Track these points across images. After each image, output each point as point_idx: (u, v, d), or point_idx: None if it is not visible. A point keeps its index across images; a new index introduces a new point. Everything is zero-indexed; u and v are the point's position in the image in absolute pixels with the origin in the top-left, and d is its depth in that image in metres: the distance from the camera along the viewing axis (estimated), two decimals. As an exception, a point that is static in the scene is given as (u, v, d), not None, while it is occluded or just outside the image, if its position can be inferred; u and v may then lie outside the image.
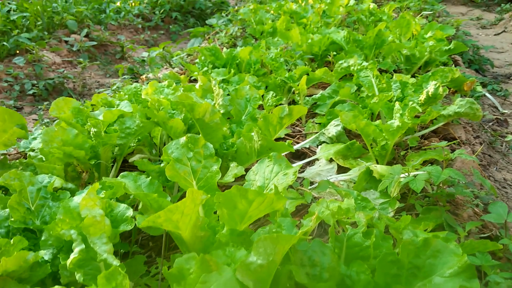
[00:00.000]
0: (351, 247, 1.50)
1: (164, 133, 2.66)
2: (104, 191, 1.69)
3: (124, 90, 3.02)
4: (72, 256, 1.34)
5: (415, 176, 1.97)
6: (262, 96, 3.42)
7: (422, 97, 2.65)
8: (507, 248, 1.77)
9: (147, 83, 3.23)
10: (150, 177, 1.77)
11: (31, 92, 4.54)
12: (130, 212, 1.53)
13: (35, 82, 4.64)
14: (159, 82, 3.12)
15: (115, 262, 1.31)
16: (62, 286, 1.24)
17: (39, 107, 4.14)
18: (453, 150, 2.75)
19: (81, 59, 4.99)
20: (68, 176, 2.26)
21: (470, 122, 3.39)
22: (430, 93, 2.61)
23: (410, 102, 2.54)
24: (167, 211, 1.28)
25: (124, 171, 2.39)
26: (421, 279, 1.35)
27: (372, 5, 5.75)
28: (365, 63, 3.19)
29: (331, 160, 2.67)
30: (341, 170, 2.60)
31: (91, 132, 2.16)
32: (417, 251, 1.36)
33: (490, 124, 3.72)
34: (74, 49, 5.45)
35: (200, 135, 1.86)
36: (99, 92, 4.27)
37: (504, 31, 6.86)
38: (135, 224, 1.99)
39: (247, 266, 1.23)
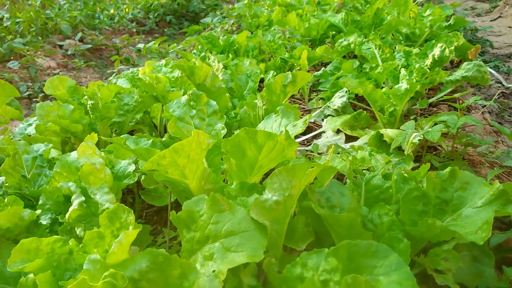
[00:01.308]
0: (370, 191, 1.40)
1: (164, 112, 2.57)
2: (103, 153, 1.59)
3: (121, 75, 2.94)
4: (71, 209, 1.23)
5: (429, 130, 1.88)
6: (261, 80, 3.34)
7: (428, 61, 2.58)
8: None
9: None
10: (152, 139, 1.67)
11: (26, 94, 4.46)
12: (132, 167, 1.43)
13: (30, 84, 4.56)
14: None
15: (124, 206, 1.20)
16: (61, 236, 1.13)
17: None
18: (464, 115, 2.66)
19: (76, 60, 4.92)
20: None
21: (476, 93, 3.31)
22: (436, 56, 2.53)
23: (418, 65, 2.45)
24: (172, 151, 1.18)
25: (124, 151, 2.30)
26: (450, 214, 1.25)
27: (366, -5, 5.72)
28: (365, 39, 3.12)
29: (338, 131, 2.57)
30: (349, 140, 2.51)
31: (88, 106, 2.07)
32: (444, 184, 1.26)
33: (496, 97, 3.64)
34: (69, 53, 5.39)
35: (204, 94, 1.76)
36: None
37: (500, 16, 6.83)
38: (135, 199, 1.89)
39: (262, 204, 1.13)
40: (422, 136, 1.83)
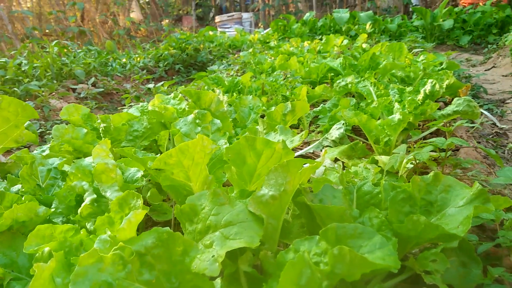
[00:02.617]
0: (361, 196, 1.50)
1: (170, 141, 2.72)
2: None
3: (132, 109, 3.12)
4: (83, 205, 1.34)
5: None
6: (263, 116, 3.52)
7: (420, 96, 2.74)
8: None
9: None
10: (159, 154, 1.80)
11: (39, 131, 4.65)
12: (140, 173, 1.54)
13: (43, 122, 4.77)
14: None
15: (134, 192, 1.29)
16: (73, 225, 1.23)
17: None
18: (457, 148, 2.79)
19: (88, 101, 5.17)
20: (76, 176, 2.28)
21: (471, 133, 3.45)
22: (427, 91, 2.70)
23: (410, 98, 2.62)
24: (179, 150, 1.30)
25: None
26: (435, 214, 1.34)
27: (365, 45, 6.07)
28: (363, 78, 3.33)
29: (336, 160, 2.69)
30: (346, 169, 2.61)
31: (101, 128, 2.22)
32: (428, 187, 1.36)
33: (490, 136, 3.78)
34: (82, 95, 5.66)
35: (209, 113, 1.91)
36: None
37: (494, 66, 7.15)
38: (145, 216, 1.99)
39: (259, 198, 1.23)
40: (413, 157, 1.94)
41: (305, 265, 0.95)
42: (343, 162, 2.64)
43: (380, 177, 1.80)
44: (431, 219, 1.32)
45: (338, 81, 3.65)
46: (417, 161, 2.00)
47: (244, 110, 2.83)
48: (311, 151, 2.93)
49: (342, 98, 3.34)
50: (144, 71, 7.21)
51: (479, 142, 3.28)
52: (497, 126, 4.13)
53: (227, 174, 1.57)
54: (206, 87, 4.14)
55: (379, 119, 3.01)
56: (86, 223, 1.33)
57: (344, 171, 1.65)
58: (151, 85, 4.57)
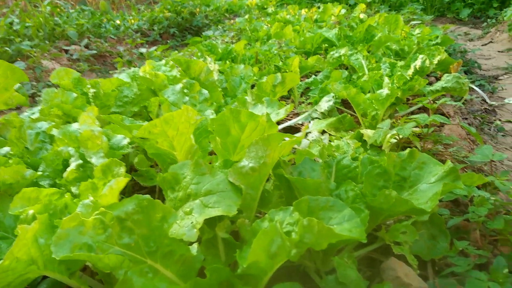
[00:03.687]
0: (340, 170, 1.55)
1: (160, 108, 2.73)
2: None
3: (123, 73, 3.11)
4: (68, 169, 1.38)
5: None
6: (253, 86, 3.53)
7: (410, 71, 2.76)
8: (494, 187, 1.82)
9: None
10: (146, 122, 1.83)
11: (30, 93, 4.62)
12: (126, 140, 1.58)
13: (35, 83, 4.73)
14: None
15: (117, 160, 1.33)
16: (58, 189, 1.27)
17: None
18: (442, 125, 2.83)
19: (80, 63, 5.12)
20: (66, 140, 2.32)
21: (459, 108, 3.48)
22: (417, 67, 2.71)
23: (399, 73, 2.63)
24: (163, 120, 1.33)
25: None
26: (407, 189, 1.39)
27: (362, 15, 5.98)
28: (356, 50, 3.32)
29: (323, 132, 2.73)
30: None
31: (90, 94, 2.23)
32: (403, 163, 1.42)
33: (479, 113, 3.82)
34: (74, 57, 5.59)
35: (197, 83, 1.93)
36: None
37: (491, 41, 7.10)
38: (132, 179, 2.03)
39: (239, 169, 1.28)
40: (396, 132, 1.98)
41: (276, 234, 1.01)
42: (330, 134, 2.69)
43: (362, 151, 1.85)
44: (403, 194, 1.38)
45: (332, 52, 3.64)
46: (401, 137, 2.05)
47: (235, 80, 2.84)
48: (300, 122, 2.97)
49: (334, 70, 3.34)
50: (138, 34, 7.09)
51: (465, 119, 3.33)
52: (487, 103, 4.17)
53: (212, 144, 1.61)
54: (199, 54, 4.11)
55: (369, 92, 3.04)
56: (72, 187, 1.37)
57: (327, 144, 1.70)
58: (143, 50, 4.52)
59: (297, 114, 3.13)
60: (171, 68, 2.85)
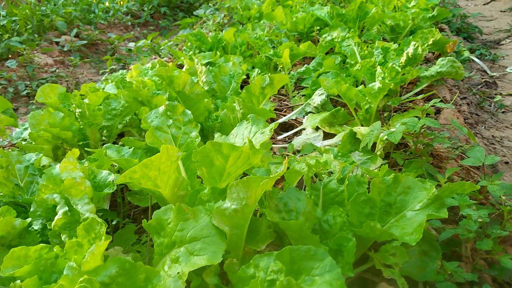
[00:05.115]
0: (327, 194, 1.54)
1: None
2: (89, 163, 1.74)
3: (111, 77, 3.07)
4: (56, 217, 1.39)
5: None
6: (248, 75, 3.46)
7: (403, 59, 2.68)
8: (487, 191, 1.80)
9: (135, 71, 3.28)
10: (133, 147, 1.82)
11: (24, 92, 4.61)
12: (112, 177, 1.58)
13: (28, 83, 4.70)
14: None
15: (98, 219, 1.35)
16: (47, 244, 1.29)
17: (34, 105, 4.21)
18: (438, 110, 2.78)
19: (72, 57, 5.05)
20: (59, 159, 2.32)
21: (457, 84, 3.41)
22: (410, 54, 2.63)
23: (391, 64, 2.56)
24: (142, 166, 1.32)
25: (114, 153, 2.45)
26: (393, 216, 1.39)
27: (357, -17, 5.74)
28: (348, 34, 3.22)
29: (317, 129, 2.70)
30: (328, 136, 2.64)
31: (76, 113, 2.21)
32: (388, 189, 1.40)
33: (479, 86, 3.73)
34: (65, 49, 5.50)
35: (180, 104, 1.90)
36: (91, 87, 4.32)
37: (493, 0, 6.84)
38: (125, 199, 2.05)
39: (222, 212, 1.28)
40: (386, 137, 1.95)
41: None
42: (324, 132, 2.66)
43: (350, 165, 1.83)
44: (389, 220, 1.38)
45: (324, 36, 3.54)
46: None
47: (224, 79, 2.78)
48: (294, 118, 2.93)
49: (327, 57, 3.26)
50: (129, 16, 6.93)
51: (464, 98, 3.26)
52: (488, 74, 4.07)
53: (198, 172, 1.60)
54: (189, 44, 4.02)
55: (362, 82, 2.98)
56: (61, 234, 1.39)
57: (313, 162, 1.68)
58: (131, 44, 4.42)
59: (291, 108, 3.09)
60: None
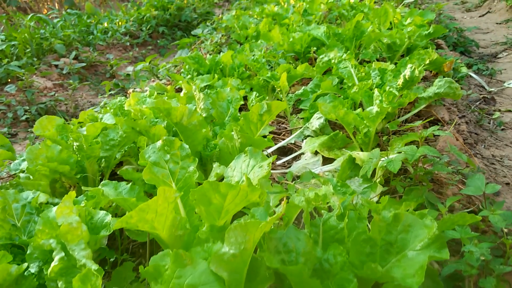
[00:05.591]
0: (327, 231, 1.52)
1: (150, 142, 2.70)
2: (86, 201, 1.72)
3: (109, 104, 3.07)
4: (52, 264, 1.37)
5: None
6: (246, 97, 3.46)
7: (400, 81, 2.68)
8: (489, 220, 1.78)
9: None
10: (130, 184, 1.81)
11: (24, 118, 4.61)
12: (109, 218, 1.56)
13: (27, 108, 4.71)
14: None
15: (94, 266, 1.33)
16: (43, 293, 1.27)
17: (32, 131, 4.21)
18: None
19: (71, 81, 5.07)
20: (56, 192, 2.31)
21: (455, 102, 3.40)
22: (407, 77, 2.63)
23: (388, 87, 2.56)
24: (139, 211, 1.31)
25: (113, 182, 2.43)
26: (394, 255, 1.37)
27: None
28: (344, 55, 3.23)
29: (316, 153, 2.69)
30: (327, 161, 2.63)
31: (74, 147, 2.21)
32: (388, 227, 1.38)
33: (477, 103, 3.73)
34: (64, 72, 5.53)
35: (178, 138, 1.89)
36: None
37: (488, 11, 6.86)
38: (123, 232, 2.03)
39: (220, 257, 1.26)
40: (386, 166, 1.94)
41: None
42: (323, 156, 2.65)
43: (352, 192, 1.82)
44: (391, 259, 1.36)
45: (321, 56, 3.55)
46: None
47: (222, 105, 2.78)
48: (293, 142, 2.92)
49: (324, 78, 3.26)
50: (127, 37, 6.97)
51: (463, 116, 3.25)
52: (486, 90, 4.07)
53: (197, 209, 1.59)
54: (187, 66, 4.03)
55: (360, 103, 2.97)
56: (58, 281, 1.37)
57: (313, 195, 1.67)
58: (130, 69, 4.44)
59: (289, 131, 3.09)
60: (156, 99, 2.79)
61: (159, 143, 1.84)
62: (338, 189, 1.87)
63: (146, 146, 2.68)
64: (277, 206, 2.11)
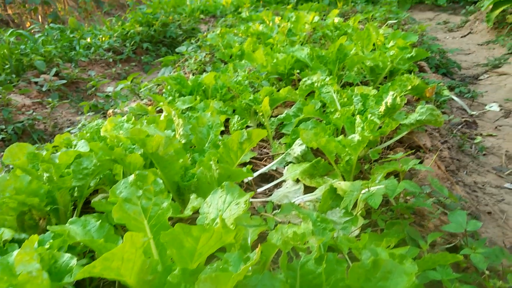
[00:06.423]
0: (304, 275, 1.46)
1: (126, 170, 2.61)
2: (52, 240, 1.63)
3: (86, 128, 2.98)
4: (9, 317, 1.28)
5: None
6: (229, 119, 3.41)
7: (382, 108, 2.66)
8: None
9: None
10: (100, 220, 1.72)
11: (0, 137, 4.47)
12: (74, 262, 1.47)
13: (3, 127, 4.57)
14: (124, 116, 3.10)
15: None
16: None
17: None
18: (419, 158, 2.75)
19: (50, 99, 4.95)
20: (25, 225, 2.20)
21: (437, 127, 3.40)
22: (389, 104, 2.61)
23: (370, 115, 2.54)
24: (103, 260, 1.22)
25: (87, 213, 2.33)
26: (374, 304, 1.31)
27: (337, 19, 5.83)
28: (327, 79, 3.21)
29: (298, 181, 2.64)
30: (308, 189, 2.57)
31: (45, 177, 2.11)
32: (367, 274, 1.33)
33: (459, 127, 3.74)
34: (44, 89, 5.40)
35: (152, 171, 1.82)
36: (69, 131, 4.22)
37: (470, 32, 6.99)
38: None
39: (190, 309, 1.19)
40: (366, 201, 1.89)
41: None
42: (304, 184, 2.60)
43: (331, 228, 1.76)
44: (370, 308, 1.30)
45: (304, 79, 3.53)
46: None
47: (202, 131, 2.71)
48: (274, 168, 2.87)
49: (307, 102, 3.23)
50: (110, 53, 6.88)
51: (445, 141, 3.24)
52: (468, 113, 4.09)
53: (168, 251, 1.51)
54: (169, 87, 3.97)
55: (343, 129, 2.94)
56: (15, 334, 1.27)
57: (291, 233, 1.61)
58: (110, 89, 4.35)
59: (271, 157, 3.03)
60: (133, 124, 2.72)
61: (131, 177, 1.76)
62: (318, 224, 1.81)
63: (123, 173, 2.61)
64: (255, 241, 2.04)
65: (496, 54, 5.72)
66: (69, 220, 1.72)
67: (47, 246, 1.53)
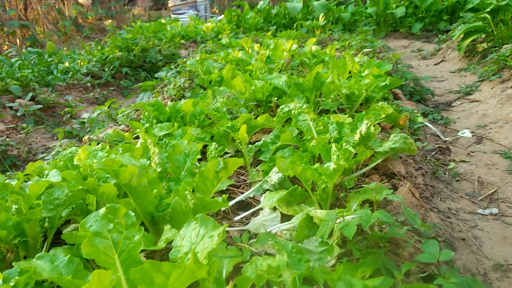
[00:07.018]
0: (278, 311, 1.44)
1: (99, 200, 2.56)
2: (18, 276, 1.57)
3: (60, 156, 2.92)
4: None
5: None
6: (207, 146, 3.40)
7: (357, 136, 2.70)
8: (444, 287, 1.75)
9: (90, 145, 3.17)
10: (69, 255, 1.67)
11: (-30, 164, 4.33)
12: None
13: (-26, 153, 4.44)
14: (100, 143, 3.05)
15: None
16: None
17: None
18: (394, 185, 2.79)
19: (25, 124, 4.85)
20: (-10, 259, 2.11)
21: (411, 157, 3.47)
22: (363, 133, 2.66)
23: (345, 144, 2.57)
24: (68, 300, 1.18)
25: (58, 244, 2.26)
26: None
27: (314, 47, 5.97)
28: (304, 106, 3.26)
29: (275, 208, 2.63)
30: (286, 217, 2.56)
31: (13, 210, 2.04)
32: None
33: (433, 153, 3.83)
34: (19, 114, 5.30)
35: (122, 205, 1.79)
36: (43, 158, 4.12)
37: (443, 60, 7.25)
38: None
39: None
40: (340, 231, 1.89)
41: None
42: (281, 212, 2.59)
43: (306, 260, 1.75)
44: None
45: (282, 107, 3.57)
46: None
47: (178, 159, 2.69)
48: (251, 196, 2.86)
49: (284, 130, 3.26)
50: (89, 77, 6.83)
51: (420, 168, 3.31)
52: (441, 139, 4.20)
53: (138, 286, 1.47)
54: (146, 113, 3.95)
55: (319, 157, 2.97)
56: None
57: (265, 266, 1.59)
58: (86, 115, 4.31)
59: (249, 184, 3.02)
60: (108, 153, 2.68)
61: (102, 210, 1.72)
62: (293, 256, 1.80)
63: (96, 203, 2.55)
64: (230, 272, 2.01)
65: (467, 81, 5.93)
66: (37, 255, 1.66)
67: (12, 284, 1.47)
